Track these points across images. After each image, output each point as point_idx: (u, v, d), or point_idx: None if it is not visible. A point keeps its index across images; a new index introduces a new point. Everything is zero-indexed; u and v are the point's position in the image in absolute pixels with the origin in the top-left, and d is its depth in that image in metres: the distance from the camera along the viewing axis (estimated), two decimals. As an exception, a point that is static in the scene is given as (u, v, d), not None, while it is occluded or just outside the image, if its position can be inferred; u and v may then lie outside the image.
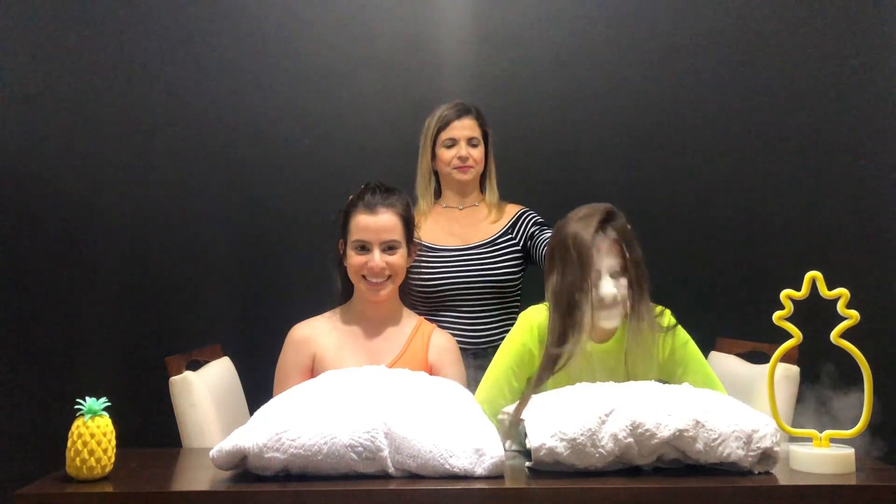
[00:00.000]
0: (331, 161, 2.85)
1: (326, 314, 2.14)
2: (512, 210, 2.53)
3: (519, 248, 2.45)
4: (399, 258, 2.05)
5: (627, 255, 1.94)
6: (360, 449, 1.48)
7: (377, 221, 2.03)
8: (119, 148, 2.84)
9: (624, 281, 1.93)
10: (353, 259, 2.04)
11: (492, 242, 2.45)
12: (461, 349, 2.20)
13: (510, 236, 2.47)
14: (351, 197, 2.11)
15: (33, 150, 2.83)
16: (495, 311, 2.41)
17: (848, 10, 2.86)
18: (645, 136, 2.87)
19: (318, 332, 2.07)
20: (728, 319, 2.74)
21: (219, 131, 2.85)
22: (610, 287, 1.92)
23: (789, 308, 1.63)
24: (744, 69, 2.88)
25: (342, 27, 2.87)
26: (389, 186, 2.12)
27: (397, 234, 2.05)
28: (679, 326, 2.04)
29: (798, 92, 2.87)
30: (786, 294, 1.63)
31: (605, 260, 1.93)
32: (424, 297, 2.39)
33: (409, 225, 2.10)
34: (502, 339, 2.22)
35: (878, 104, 2.86)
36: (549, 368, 1.93)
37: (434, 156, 2.48)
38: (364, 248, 2.04)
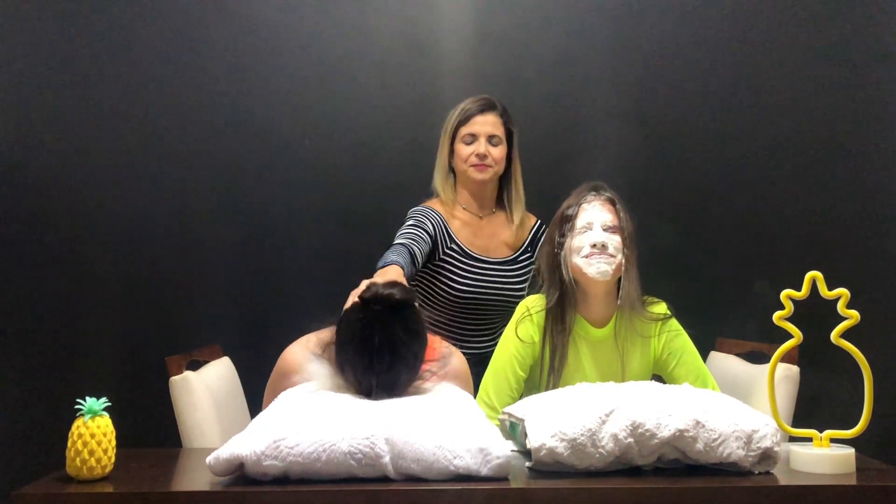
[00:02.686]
0: (331, 161, 2.85)
1: (326, 338, 1.76)
2: (530, 222, 2.45)
3: (534, 262, 2.42)
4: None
5: (621, 214, 2.01)
6: (360, 456, 1.47)
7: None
8: (119, 148, 2.83)
9: (617, 239, 1.98)
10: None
11: (514, 260, 2.39)
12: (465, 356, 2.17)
13: (529, 254, 2.41)
14: (346, 354, 1.67)
15: (33, 150, 2.83)
16: (500, 321, 2.38)
17: (853, 7, 2.86)
18: (645, 135, 2.87)
19: (313, 368, 1.77)
20: (728, 319, 2.74)
21: (219, 131, 2.85)
22: (602, 235, 1.97)
23: (789, 308, 1.63)
24: (744, 68, 2.87)
25: (342, 27, 2.87)
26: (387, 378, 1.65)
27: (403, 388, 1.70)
28: (673, 319, 2.08)
29: (799, 92, 2.86)
30: (786, 294, 1.63)
31: (599, 214, 2.00)
32: (450, 302, 2.32)
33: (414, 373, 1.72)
34: None
35: (880, 104, 2.86)
36: (559, 346, 1.99)
37: (452, 151, 2.35)
38: None
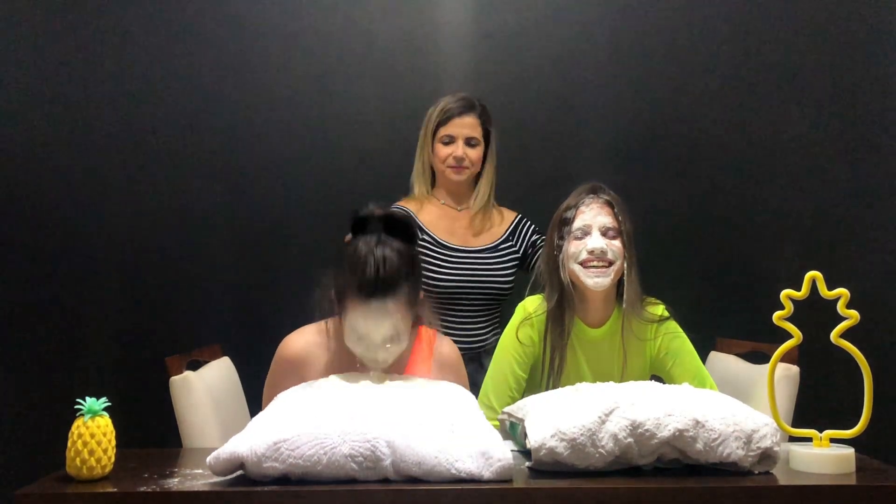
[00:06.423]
0: (330, 161, 2.85)
1: (323, 327, 1.92)
2: (509, 216, 2.49)
3: (518, 255, 2.44)
4: (404, 340, 1.79)
5: (620, 217, 2.00)
6: (361, 459, 1.46)
7: (377, 328, 1.73)
8: (119, 148, 2.84)
9: (616, 244, 1.98)
10: (353, 345, 1.78)
11: (494, 248, 2.42)
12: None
13: (510, 243, 2.44)
14: (344, 271, 1.77)
15: (33, 150, 2.83)
16: (489, 314, 2.39)
17: (853, 8, 2.86)
18: (645, 135, 2.87)
19: (311, 354, 1.89)
20: (728, 319, 2.74)
21: (218, 131, 2.85)
22: (599, 241, 1.96)
23: (789, 308, 1.63)
24: (744, 68, 2.87)
25: (342, 27, 2.87)
26: (387, 275, 1.72)
27: (401, 322, 1.76)
28: (671, 320, 2.07)
29: (798, 92, 2.87)
30: (786, 294, 1.63)
31: (597, 218, 1.99)
32: (434, 295, 2.31)
33: (413, 304, 1.80)
34: (495, 340, 2.22)
35: (880, 104, 2.86)
36: (557, 349, 1.98)
37: (432, 149, 2.40)
38: (364, 342, 1.76)
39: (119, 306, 2.83)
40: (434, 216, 2.43)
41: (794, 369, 2.07)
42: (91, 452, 1.52)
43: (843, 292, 1.61)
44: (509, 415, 1.76)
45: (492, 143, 2.43)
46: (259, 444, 1.47)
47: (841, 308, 1.61)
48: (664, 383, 1.99)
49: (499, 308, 2.42)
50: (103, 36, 2.84)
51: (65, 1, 2.84)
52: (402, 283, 1.74)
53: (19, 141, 2.83)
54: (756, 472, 1.56)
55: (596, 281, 1.97)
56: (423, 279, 2.22)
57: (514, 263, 2.42)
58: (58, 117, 2.83)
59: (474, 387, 2.09)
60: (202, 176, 2.85)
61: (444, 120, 2.37)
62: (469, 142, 2.37)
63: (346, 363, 1.93)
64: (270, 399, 1.83)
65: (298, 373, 1.89)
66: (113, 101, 2.84)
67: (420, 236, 2.25)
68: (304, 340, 1.91)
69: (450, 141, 2.37)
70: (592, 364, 2.06)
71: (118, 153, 2.84)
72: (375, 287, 1.71)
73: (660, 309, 2.09)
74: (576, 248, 1.99)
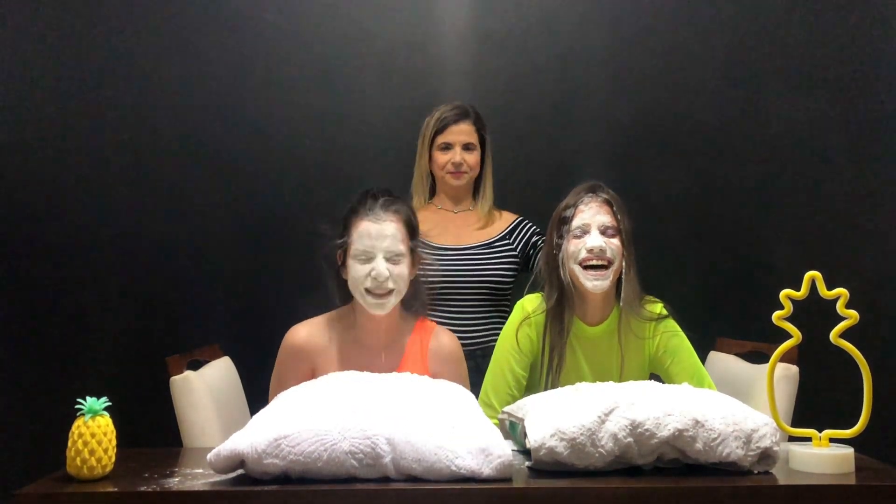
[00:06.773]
0: (331, 161, 2.85)
1: (326, 318, 2.04)
2: (509, 217, 2.52)
3: (515, 253, 2.45)
4: (403, 269, 1.95)
5: (619, 216, 2.00)
6: (361, 455, 1.47)
7: (381, 230, 1.93)
8: (119, 148, 2.84)
9: (615, 243, 1.98)
10: (356, 270, 1.93)
11: (488, 245, 2.44)
12: None
13: (507, 241, 2.46)
14: (351, 204, 2.01)
15: (33, 149, 2.83)
16: (486, 313, 2.40)
17: (853, 11, 2.86)
18: (645, 136, 2.87)
19: (317, 342, 1.98)
20: (728, 319, 2.74)
21: (219, 131, 2.85)
22: (598, 240, 1.96)
23: (789, 308, 1.63)
24: (743, 69, 2.88)
25: (342, 27, 2.87)
26: (392, 194, 2.02)
27: (402, 243, 1.95)
28: (670, 318, 2.08)
29: (798, 92, 2.87)
30: (786, 294, 1.63)
31: (596, 216, 1.99)
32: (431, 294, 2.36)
33: (413, 233, 2.01)
34: (492, 340, 2.22)
35: (878, 104, 2.86)
36: (557, 347, 1.98)
37: (430, 157, 2.47)
38: (367, 258, 1.93)
39: (119, 306, 2.83)
40: (426, 220, 2.42)
41: (794, 369, 2.07)
42: (91, 452, 1.52)
43: (842, 292, 1.61)
44: (509, 414, 1.76)
45: (487, 147, 2.50)
46: (260, 441, 1.47)
47: (840, 308, 1.61)
48: (663, 382, 2.00)
49: (497, 308, 2.42)
50: (103, 35, 2.84)
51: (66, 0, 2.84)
52: (403, 205, 2.00)
53: (19, 139, 2.83)
54: (756, 471, 1.56)
55: (595, 284, 1.98)
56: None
57: (510, 261, 2.43)
58: (58, 116, 2.83)
59: (472, 386, 2.09)
60: (202, 176, 2.85)
61: (440, 128, 2.44)
62: (466, 147, 2.44)
63: (351, 353, 1.98)
64: (277, 389, 1.91)
65: (304, 360, 1.96)
66: (113, 100, 2.84)
67: None
68: (310, 329, 2.00)
69: (447, 148, 2.44)
70: (591, 362, 2.06)
71: (118, 153, 2.84)
72: (380, 192, 1.99)
73: (658, 307, 2.09)
74: (575, 247, 1.99)
